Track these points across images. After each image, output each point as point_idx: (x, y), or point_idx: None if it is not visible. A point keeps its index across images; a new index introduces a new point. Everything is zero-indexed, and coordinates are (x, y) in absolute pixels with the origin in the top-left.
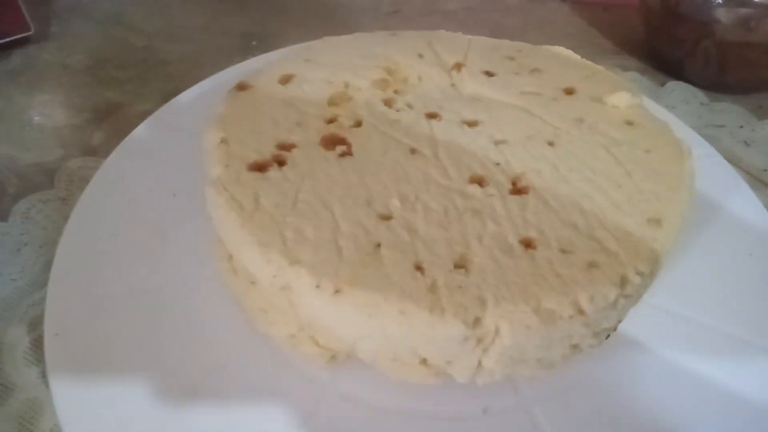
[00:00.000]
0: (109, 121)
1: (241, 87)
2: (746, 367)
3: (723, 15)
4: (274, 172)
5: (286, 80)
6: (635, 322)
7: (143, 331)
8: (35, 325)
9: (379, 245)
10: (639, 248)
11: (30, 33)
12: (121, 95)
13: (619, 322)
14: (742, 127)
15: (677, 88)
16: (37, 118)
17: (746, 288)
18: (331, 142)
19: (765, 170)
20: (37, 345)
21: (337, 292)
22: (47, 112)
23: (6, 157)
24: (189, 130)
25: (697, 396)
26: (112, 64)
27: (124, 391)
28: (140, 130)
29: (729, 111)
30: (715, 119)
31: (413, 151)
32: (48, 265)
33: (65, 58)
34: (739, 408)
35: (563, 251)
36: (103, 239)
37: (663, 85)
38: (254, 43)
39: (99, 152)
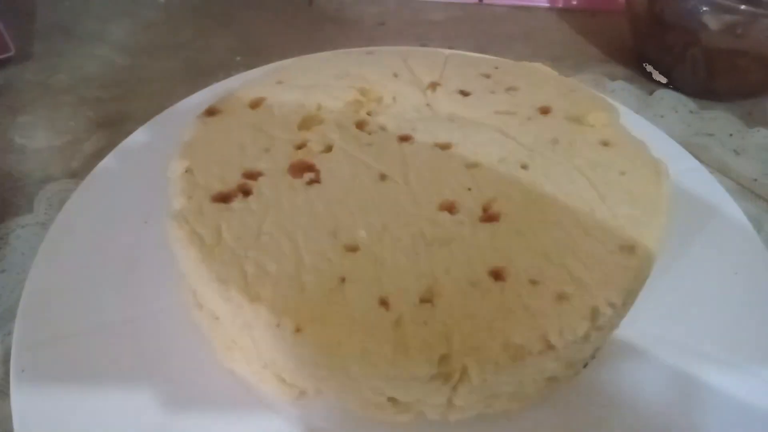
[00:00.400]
0: (92, 141)
1: (210, 112)
2: (730, 386)
3: (710, 21)
4: (238, 203)
5: (256, 104)
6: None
7: (111, 366)
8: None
9: (343, 279)
10: (611, 277)
11: (11, 54)
12: (104, 115)
13: (597, 350)
14: (731, 135)
15: (666, 96)
16: (17, 139)
17: (730, 309)
18: (299, 169)
19: (755, 180)
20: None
21: (298, 330)
22: (28, 134)
23: None
24: (162, 152)
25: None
26: (95, 84)
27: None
28: (110, 158)
29: (719, 119)
30: (705, 127)
31: (383, 177)
32: None
33: (47, 78)
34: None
35: (533, 282)
36: (72, 270)
37: (651, 93)
38: (238, 58)
39: (80, 174)
